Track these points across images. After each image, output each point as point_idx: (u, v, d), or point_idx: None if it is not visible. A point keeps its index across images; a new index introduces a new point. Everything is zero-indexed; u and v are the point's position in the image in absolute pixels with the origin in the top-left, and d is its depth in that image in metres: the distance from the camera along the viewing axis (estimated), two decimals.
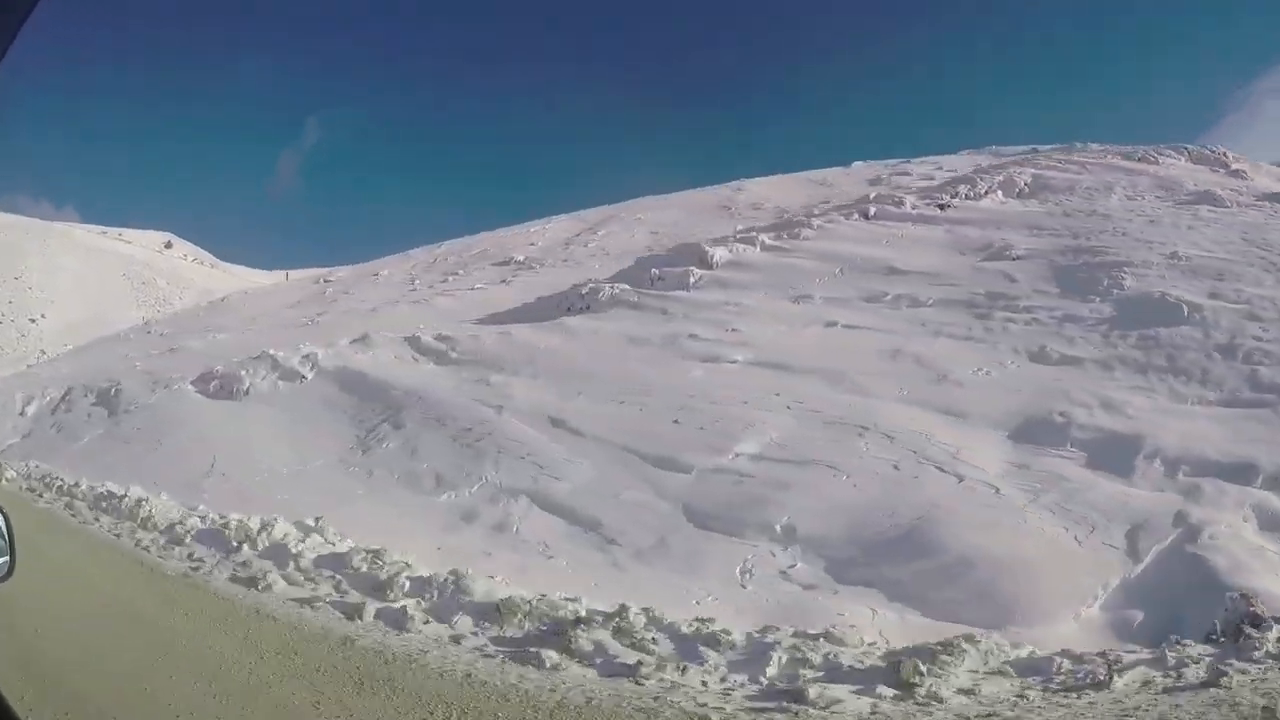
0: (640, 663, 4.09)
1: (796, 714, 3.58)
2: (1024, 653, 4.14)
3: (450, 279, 23.62)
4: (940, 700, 3.64)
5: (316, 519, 6.74)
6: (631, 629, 4.49)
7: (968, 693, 3.73)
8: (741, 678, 4.03)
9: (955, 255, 14.30)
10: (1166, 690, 3.62)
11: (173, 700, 3.46)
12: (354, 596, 5.27)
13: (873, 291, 12.68)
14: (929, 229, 15.98)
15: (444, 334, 12.88)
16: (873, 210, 16.66)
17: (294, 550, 6.13)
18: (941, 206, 16.85)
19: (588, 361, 10.82)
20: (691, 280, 13.53)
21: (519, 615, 4.65)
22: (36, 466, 10.98)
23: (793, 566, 5.81)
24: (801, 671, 4.02)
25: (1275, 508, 5.76)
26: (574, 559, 6.30)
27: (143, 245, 57.51)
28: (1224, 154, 22.05)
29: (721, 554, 6.06)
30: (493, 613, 4.74)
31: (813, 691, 3.71)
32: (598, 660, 4.23)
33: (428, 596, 5.07)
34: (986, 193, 17.73)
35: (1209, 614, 4.32)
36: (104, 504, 8.56)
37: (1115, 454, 6.86)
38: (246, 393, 12.24)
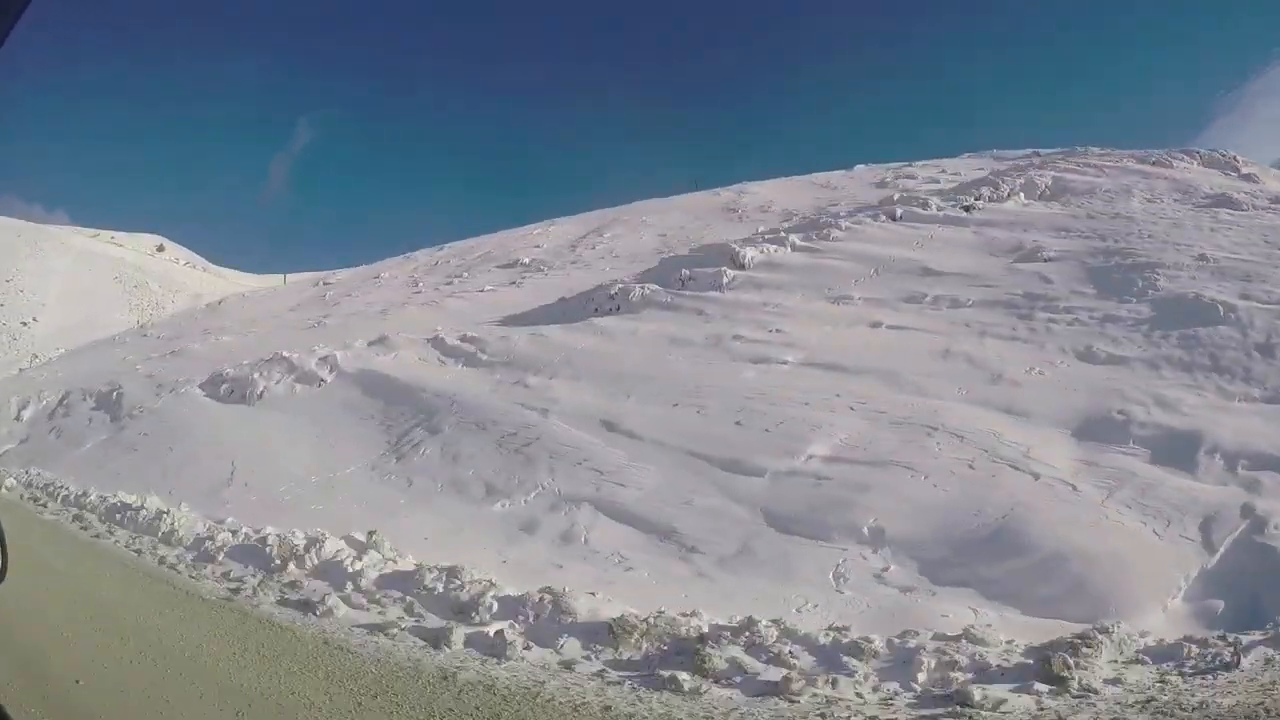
0: (787, 678, 3.73)
1: (971, 718, 3.44)
2: (1151, 640, 4.12)
3: (456, 281, 23.00)
4: (1095, 691, 3.60)
5: (370, 533, 6.13)
6: (764, 642, 4.07)
7: (1114, 682, 3.71)
8: (894, 685, 3.83)
9: (987, 256, 14.10)
10: None
11: None
12: (432, 620, 4.72)
13: (911, 292, 12.42)
14: (957, 230, 15.75)
15: (470, 335, 12.30)
16: (899, 211, 16.35)
17: (350, 569, 5.54)
18: (967, 208, 16.61)
19: (630, 363, 10.31)
20: (725, 281, 13.08)
21: (635, 635, 4.14)
22: (38, 474, 10.26)
23: (886, 569, 5.51)
24: (952, 674, 3.79)
25: None
26: (655, 570, 5.82)
27: (134, 248, 55.95)
28: (1234, 158, 22.11)
29: (811, 559, 5.71)
30: (603, 633, 4.23)
31: (977, 694, 3.55)
32: (737, 679, 3.85)
33: (522, 618, 4.52)
34: (1009, 195, 17.56)
35: None
36: (118, 516, 7.91)
37: (1177, 450, 6.74)
38: (260, 396, 11.60)
